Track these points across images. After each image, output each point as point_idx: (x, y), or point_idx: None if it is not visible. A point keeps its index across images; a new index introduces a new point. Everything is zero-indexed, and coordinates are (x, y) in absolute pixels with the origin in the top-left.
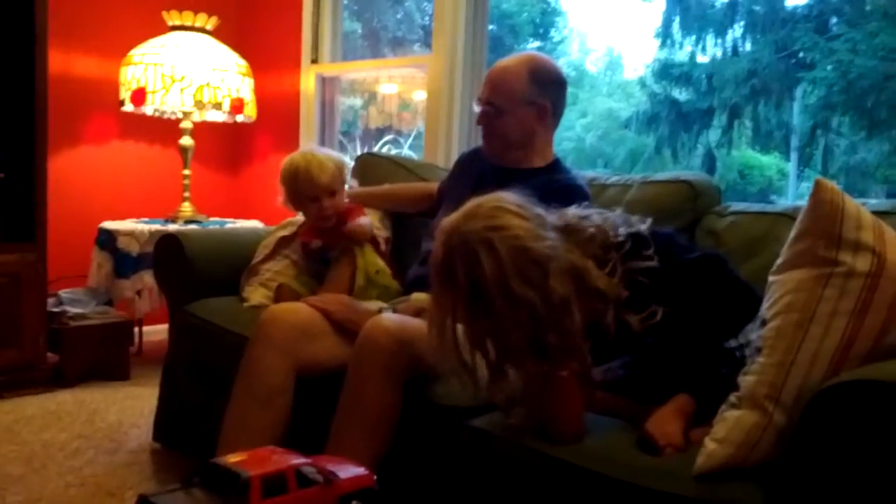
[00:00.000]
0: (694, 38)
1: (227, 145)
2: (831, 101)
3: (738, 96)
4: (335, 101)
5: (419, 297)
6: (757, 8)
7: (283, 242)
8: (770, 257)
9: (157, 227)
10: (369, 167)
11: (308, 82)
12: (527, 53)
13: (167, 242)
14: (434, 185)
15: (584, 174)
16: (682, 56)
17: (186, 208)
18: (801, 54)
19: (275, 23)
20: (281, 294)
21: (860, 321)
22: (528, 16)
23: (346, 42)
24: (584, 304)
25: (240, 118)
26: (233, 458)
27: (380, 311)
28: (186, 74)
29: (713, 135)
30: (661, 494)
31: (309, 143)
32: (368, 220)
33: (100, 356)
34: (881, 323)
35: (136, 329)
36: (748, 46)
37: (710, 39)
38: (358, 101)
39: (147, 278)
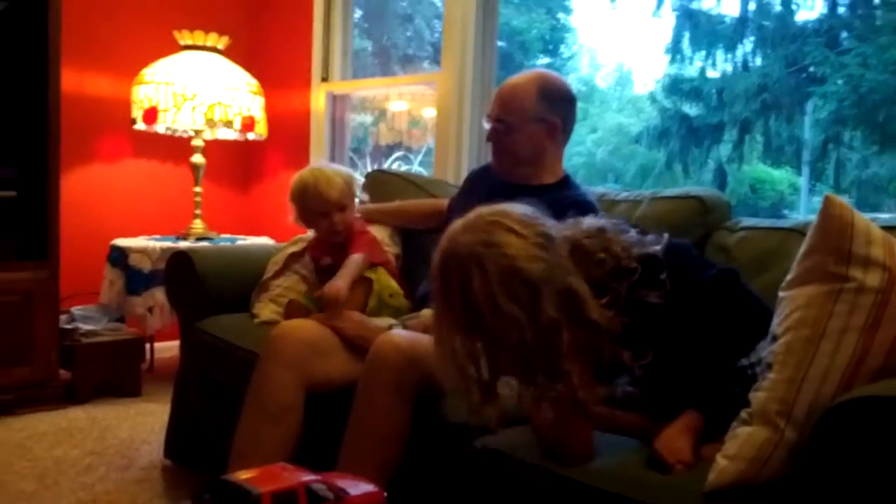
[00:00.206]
0: (704, 53)
1: (238, 163)
2: (842, 115)
3: (749, 111)
4: (345, 118)
5: (429, 314)
6: (767, 23)
7: (293, 258)
8: (781, 273)
9: (168, 244)
10: (379, 184)
11: (318, 100)
12: (536, 71)
13: (178, 259)
14: (444, 202)
15: (594, 190)
16: (692, 71)
17: (198, 225)
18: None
19: (285, 41)
20: (291, 310)
21: (871, 337)
22: (538, 32)
23: (357, 60)
24: (576, 330)
25: (251, 136)
26: (244, 475)
27: (390, 327)
28: (198, 93)
29: (724, 149)
30: None
31: (318, 160)
32: (359, 258)
33: (112, 373)
34: (892, 338)
35: (148, 346)
36: (758, 61)
37: (720, 54)
38: (368, 118)
39: (158, 295)
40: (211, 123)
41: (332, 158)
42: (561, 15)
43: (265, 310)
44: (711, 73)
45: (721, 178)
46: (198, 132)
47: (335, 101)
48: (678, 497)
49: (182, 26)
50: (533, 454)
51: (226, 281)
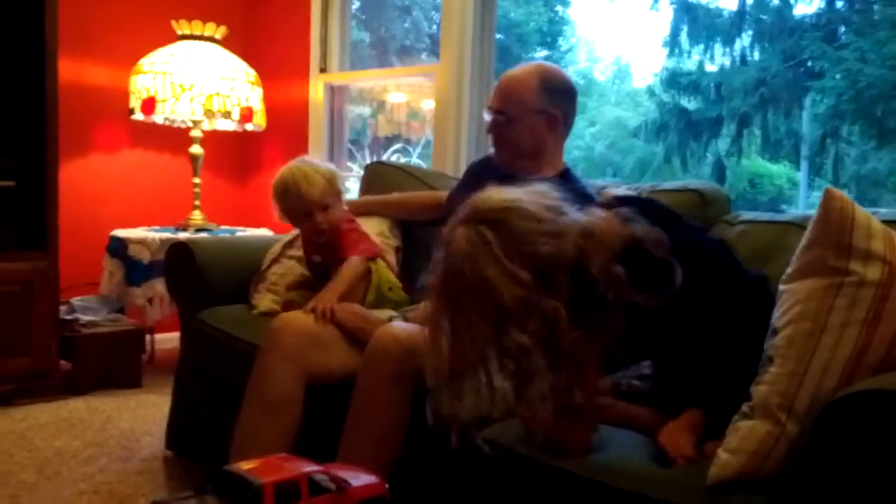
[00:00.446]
0: (702, 46)
1: (236, 154)
2: (840, 109)
3: (747, 105)
4: (344, 109)
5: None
6: (765, 17)
7: (288, 245)
8: (780, 266)
9: (167, 235)
10: (378, 176)
11: (317, 91)
12: (537, 63)
13: (178, 250)
14: (443, 194)
15: (594, 183)
16: (690, 65)
17: (197, 216)
18: (809, 63)
19: (283, 32)
20: (287, 308)
21: (872, 331)
22: (536, 25)
23: (355, 51)
24: (547, 355)
25: (249, 127)
26: (245, 466)
27: (390, 319)
28: (196, 83)
29: (722, 144)
30: None
31: (316, 151)
32: (356, 262)
33: (112, 364)
34: (893, 332)
35: (148, 337)
36: (756, 55)
37: (718, 48)
38: (367, 110)
39: (158, 286)
40: (209, 114)
41: (331, 150)
42: (559, 7)
43: (263, 300)
44: (710, 67)
45: (720, 173)
46: (196, 123)
47: (333, 92)
48: (680, 491)
49: (180, 16)
50: (532, 447)
51: (225, 272)
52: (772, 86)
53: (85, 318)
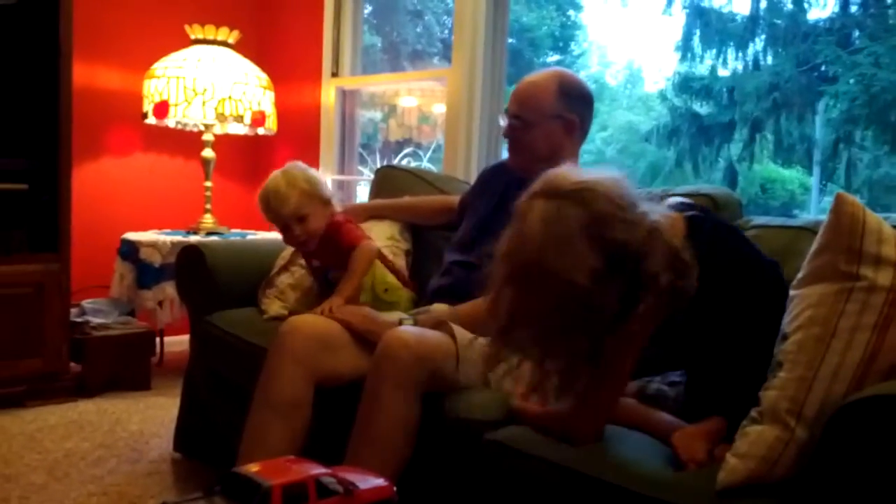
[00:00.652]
0: (714, 51)
1: (248, 157)
2: (854, 114)
3: (760, 110)
4: (355, 114)
5: (440, 309)
6: (778, 21)
7: (298, 253)
8: (792, 271)
9: (178, 238)
10: (389, 180)
11: (328, 95)
12: (554, 69)
13: (189, 253)
14: (454, 198)
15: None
16: (702, 69)
17: (208, 220)
18: (823, 68)
19: (295, 37)
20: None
21: (882, 336)
22: (548, 29)
23: (366, 55)
24: (591, 340)
25: (261, 131)
26: (254, 468)
27: (400, 322)
28: (208, 87)
29: (734, 148)
30: None
31: (328, 155)
32: (362, 252)
33: (122, 366)
34: None
35: (158, 339)
36: (769, 60)
37: (730, 53)
38: (378, 114)
39: (169, 289)
40: (221, 118)
41: (342, 154)
42: (571, 12)
43: (272, 305)
44: (722, 72)
45: (731, 178)
46: (208, 126)
47: (345, 96)
48: (689, 495)
49: (193, 20)
50: (543, 448)
51: (236, 275)
52: (785, 90)
53: (95, 320)
